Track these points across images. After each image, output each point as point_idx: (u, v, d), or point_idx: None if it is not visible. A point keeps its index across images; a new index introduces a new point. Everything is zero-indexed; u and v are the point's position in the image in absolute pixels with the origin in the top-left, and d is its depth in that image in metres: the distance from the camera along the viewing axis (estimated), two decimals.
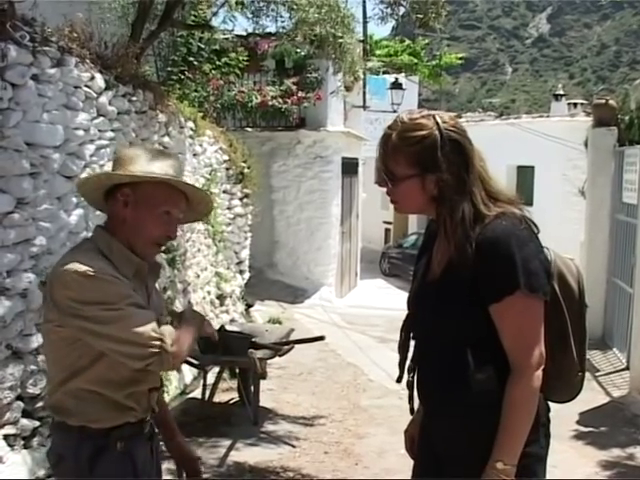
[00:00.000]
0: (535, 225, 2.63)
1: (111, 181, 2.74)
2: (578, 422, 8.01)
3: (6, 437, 5.20)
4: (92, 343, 2.56)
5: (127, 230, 2.73)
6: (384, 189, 2.75)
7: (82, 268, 2.52)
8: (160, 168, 2.73)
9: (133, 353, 2.53)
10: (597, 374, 10.13)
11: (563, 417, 7.36)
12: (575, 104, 27.42)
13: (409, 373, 2.84)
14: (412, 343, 2.86)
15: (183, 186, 2.81)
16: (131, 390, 2.74)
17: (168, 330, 2.58)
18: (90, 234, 2.89)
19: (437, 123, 2.59)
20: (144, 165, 2.72)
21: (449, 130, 2.60)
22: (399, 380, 2.88)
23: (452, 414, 2.67)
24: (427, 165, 2.59)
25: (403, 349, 2.87)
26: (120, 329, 2.50)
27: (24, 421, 5.31)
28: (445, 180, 2.58)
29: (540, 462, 2.67)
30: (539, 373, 2.52)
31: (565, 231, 16.38)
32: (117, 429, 2.72)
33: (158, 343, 2.51)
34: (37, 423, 5.39)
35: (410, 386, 2.84)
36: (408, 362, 2.87)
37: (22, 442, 5.27)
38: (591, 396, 8.85)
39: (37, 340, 5.38)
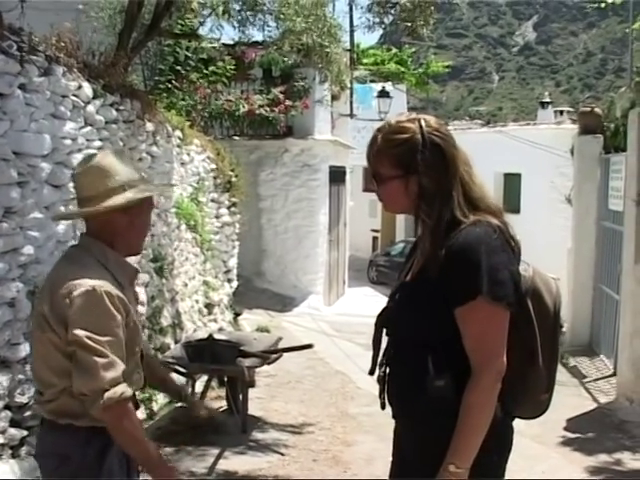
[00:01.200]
0: (513, 238, 2.67)
1: (133, 203, 2.86)
2: (565, 428, 8.05)
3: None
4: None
5: (122, 236, 2.89)
6: (372, 195, 2.82)
7: (91, 291, 2.66)
8: (135, 173, 2.93)
9: (85, 385, 2.63)
10: (584, 380, 10.17)
11: (551, 423, 7.40)
12: (561, 112, 27.60)
13: (380, 367, 2.87)
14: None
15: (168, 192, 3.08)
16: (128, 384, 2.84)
17: (121, 391, 2.64)
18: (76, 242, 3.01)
19: (421, 127, 2.66)
20: (128, 174, 2.88)
21: (432, 134, 2.66)
22: (371, 373, 2.91)
23: (409, 418, 2.74)
24: (409, 167, 2.65)
25: (375, 343, 2.89)
26: (88, 364, 2.61)
27: (12, 430, 5.29)
28: (424, 183, 2.64)
29: (492, 471, 2.69)
30: (497, 380, 2.55)
31: (552, 238, 16.43)
32: None
33: (106, 395, 2.60)
34: (25, 432, 5.38)
35: (380, 380, 2.86)
36: (380, 357, 2.90)
37: (10, 451, 5.25)
38: (578, 402, 8.91)
39: (25, 349, 5.37)
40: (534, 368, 2.68)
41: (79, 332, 2.60)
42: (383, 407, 2.88)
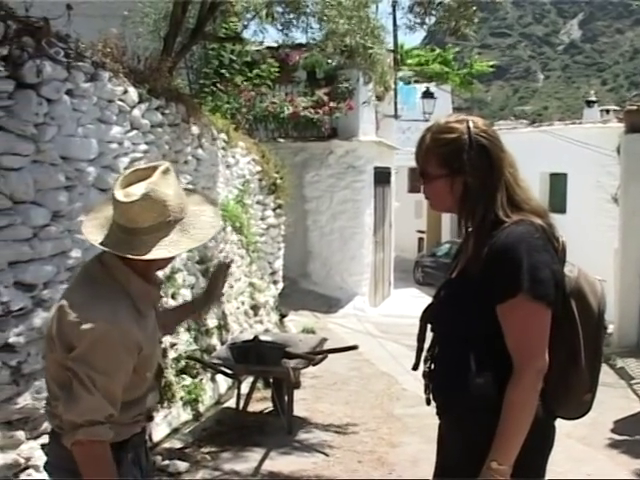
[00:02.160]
0: (556, 238, 2.68)
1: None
2: (613, 430, 7.97)
3: (43, 446, 5.27)
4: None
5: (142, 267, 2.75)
6: (417, 196, 2.86)
7: (101, 332, 2.55)
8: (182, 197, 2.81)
9: (66, 413, 2.56)
10: (632, 382, 10.06)
11: (597, 425, 7.33)
12: (607, 110, 27.26)
13: (425, 363, 2.89)
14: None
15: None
16: (140, 410, 2.84)
17: (97, 433, 2.56)
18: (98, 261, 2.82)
19: (468, 127, 2.70)
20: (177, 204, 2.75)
21: (479, 135, 2.69)
22: (415, 368, 2.93)
23: (451, 415, 2.76)
24: (454, 167, 2.69)
25: (420, 339, 2.91)
26: (76, 395, 2.54)
27: None
28: (469, 183, 2.67)
29: (534, 469, 2.69)
30: (538, 379, 2.55)
31: (598, 238, 16.26)
32: (128, 441, 2.80)
33: (80, 431, 2.53)
34: None
35: (426, 376, 2.88)
36: (425, 352, 2.91)
37: None
38: (625, 404, 8.82)
39: None
40: (576, 368, 2.68)
41: (79, 364, 2.54)
42: (428, 403, 2.89)
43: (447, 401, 2.75)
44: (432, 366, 2.85)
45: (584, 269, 2.79)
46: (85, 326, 2.54)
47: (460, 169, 2.67)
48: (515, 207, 2.68)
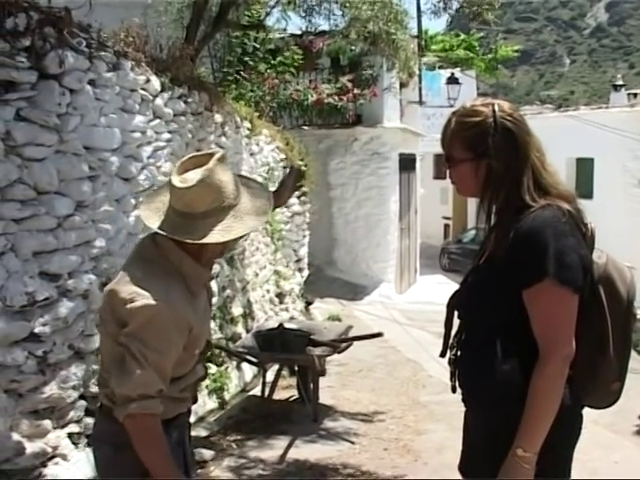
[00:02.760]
0: (585, 223, 2.65)
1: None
2: None
3: (70, 435, 5.32)
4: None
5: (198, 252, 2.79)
6: (443, 183, 2.85)
7: (154, 310, 2.59)
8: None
9: (118, 387, 2.61)
10: None
11: (625, 412, 7.27)
12: (635, 94, 26.97)
13: (451, 350, 2.87)
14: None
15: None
16: (186, 383, 2.87)
17: (149, 406, 2.60)
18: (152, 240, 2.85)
19: (494, 111, 2.68)
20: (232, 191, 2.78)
21: (504, 119, 2.66)
22: (442, 355, 2.91)
23: (477, 402, 2.74)
24: (479, 150, 2.67)
25: (447, 325, 2.90)
26: (129, 369, 2.58)
27: (87, 420, 5.41)
28: (494, 166, 2.65)
29: (560, 457, 2.67)
30: (565, 365, 2.53)
31: (626, 223, 16.13)
32: (174, 420, 2.84)
33: (131, 405, 2.57)
34: None
35: (451, 363, 2.87)
36: (451, 339, 2.90)
37: (86, 440, 5.36)
38: None
39: (98, 340, 5.46)
40: (605, 357, 2.65)
41: (131, 340, 2.59)
42: (454, 390, 2.88)
43: (472, 388, 2.74)
44: (458, 353, 2.84)
45: (612, 255, 2.76)
46: (138, 303, 2.59)
47: (485, 153, 2.65)
48: (542, 191, 2.65)
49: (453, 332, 2.89)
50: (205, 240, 2.69)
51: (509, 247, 2.58)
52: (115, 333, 2.65)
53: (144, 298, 2.59)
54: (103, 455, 2.86)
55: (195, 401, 3.05)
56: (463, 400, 2.86)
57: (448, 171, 2.83)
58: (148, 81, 6.73)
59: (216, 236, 2.70)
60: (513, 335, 2.61)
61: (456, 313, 2.87)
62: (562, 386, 2.53)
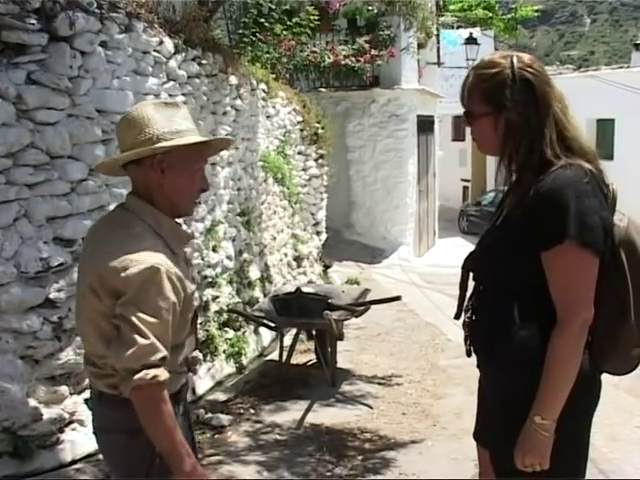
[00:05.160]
0: (606, 185, 2.58)
1: (145, 154, 2.64)
2: None
3: (86, 401, 5.30)
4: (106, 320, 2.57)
5: (166, 195, 2.69)
6: (461, 145, 2.79)
7: (149, 272, 2.50)
8: (181, 124, 2.69)
9: (119, 361, 2.49)
10: None
11: None
12: None
13: (466, 313, 2.81)
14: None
15: (213, 142, 2.87)
16: (184, 355, 2.80)
17: (154, 374, 2.47)
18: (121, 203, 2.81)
19: (512, 62, 2.61)
20: (166, 125, 2.66)
21: (523, 69, 2.59)
22: (457, 317, 2.87)
23: (493, 367, 2.68)
24: (498, 103, 2.59)
25: (462, 287, 2.84)
26: (128, 341, 2.47)
27: None
28: (512, 119, 2.57)
29: (579, 424, 2.62)
30: (583, 330, 2.48)
31: None
32: (178, 393, 2.78)
33: (137, 376, 2.45)
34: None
35: (466, 326, 2.82)
36: (466, 302, 2.84)
37: None
38: None
39: None
40: (625, 322, 2.58)
41: (129, 308, 2.47)
42: (469, 354, 2.84)
43: (489, 353, 2.69)
44: (473, 316, 2.78)
45: (634, 218, 2.67)
46: (134, 269, 2.49)
47: (504, 105, 2.58)
48: (564, 145, 2.57)
49: (468, 294, 2.84)
50: (117, 157, 2.69)
51: (528, 207, 2.51)
52: (109, 308, 2.53)
53: (137, 263, 2.49)
54: (115, 443, 2.73)
55: (189, 371, 2.99)
56: (478, 366, 2.81)
57: (470, 129, 2.76)
58: (161, 43, 6.65)
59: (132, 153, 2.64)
60: (531, 299, 2.56)
61: (471, 275, 2.81)
62: (581, 352, 2.48)
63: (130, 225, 2.65)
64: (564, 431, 2.50)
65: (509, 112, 2.57)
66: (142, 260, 2.50)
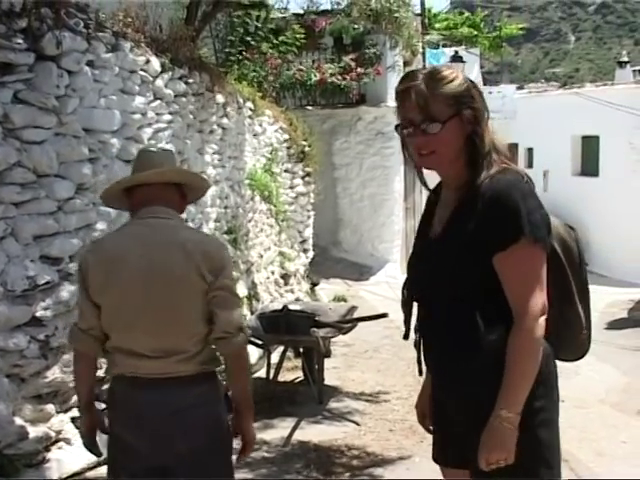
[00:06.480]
0: (532, 182, 2.66)
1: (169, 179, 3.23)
2: None
3: (73, 420, 5.29)
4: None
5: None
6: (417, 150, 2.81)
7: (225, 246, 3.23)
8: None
9: (231, 323, 2.97)
10: None
11: (632, 391, 7.24)
12: None
13: (416, 333, 2.86)
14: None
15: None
16: None
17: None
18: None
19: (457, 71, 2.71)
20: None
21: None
22: (405, 337, 2.95)
23: (464, 380, 2.65)
24: (464, 99, 2.61)
25: (406, 307, 2.88)
26: (234, 306, 3.03)
27: None
28: (478, 109, 2.63)
29: (544, 415, 2.64)
30: (541, 321, 2.53)
31: (632, 201, 16.05)
32: None
33: (242, 333, 3.03)
34: (103, 406, 5.45)
35: (417, 346, 2.87)
36: (414, 322, 2.88)
37: None
38: None
39: None
40: (571, 306, 2.76)
41: (230, 281, 3.04)
42: (420, 373, 2.93)
43: (455, 367, 2.66)
44: (426, 335, 2.82)
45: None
46: (225, 250, 3.16)
47: (469, 100, 2.61)
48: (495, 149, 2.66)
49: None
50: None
51: (477, 212, 2.55)
52: (209, 285, 2.93)
53: (222, 243, 3.18)
54: (212, 417, 3.08)
55: None
56: (436, 385, 2.85)
57: (421, 141, 2.69)
58: (148, 62, 6.68)
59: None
60: (490, 303, 2.59)
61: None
62: (540, 344, 2.54)
63: (185, 224, 3.34)
64: (533, 418, 2.55)
65: (476, 103, 2.63)
66: (221, 240, 3.00)
